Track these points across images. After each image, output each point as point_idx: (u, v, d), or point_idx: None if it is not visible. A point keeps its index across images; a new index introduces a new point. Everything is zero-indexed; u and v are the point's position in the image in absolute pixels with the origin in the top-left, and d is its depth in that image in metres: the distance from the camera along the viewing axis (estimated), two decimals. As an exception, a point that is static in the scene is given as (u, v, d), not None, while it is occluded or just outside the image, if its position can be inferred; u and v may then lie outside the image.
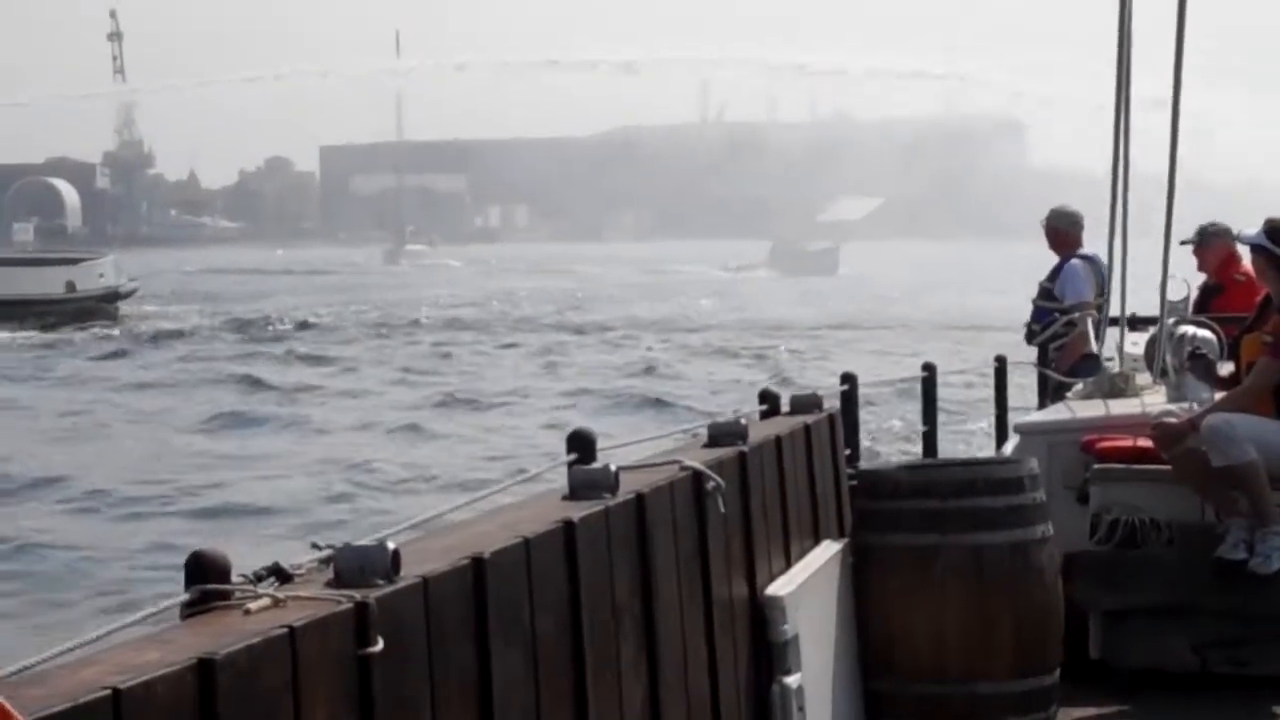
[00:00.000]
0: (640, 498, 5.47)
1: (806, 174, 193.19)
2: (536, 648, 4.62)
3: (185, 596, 3.64)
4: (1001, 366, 12.52)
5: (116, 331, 51.88)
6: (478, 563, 4.32)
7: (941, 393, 12.24)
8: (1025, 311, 12.32)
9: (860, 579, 7.49)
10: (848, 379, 9.26)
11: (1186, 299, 10.97)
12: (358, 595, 3.77)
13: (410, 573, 4.01)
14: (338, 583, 3.90)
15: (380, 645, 3.71)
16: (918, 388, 11.75)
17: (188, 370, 40.22)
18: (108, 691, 2.92)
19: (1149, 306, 10.34)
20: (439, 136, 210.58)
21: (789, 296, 77.93)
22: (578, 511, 5.02)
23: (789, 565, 7.07)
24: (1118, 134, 9.90)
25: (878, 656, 7.43)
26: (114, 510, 19.95)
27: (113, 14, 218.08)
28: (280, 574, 3.90)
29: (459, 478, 21.36)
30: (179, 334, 52.69)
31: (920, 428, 11.49)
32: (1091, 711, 8.04)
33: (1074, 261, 12.08)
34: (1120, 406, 9.46)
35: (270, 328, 55.65)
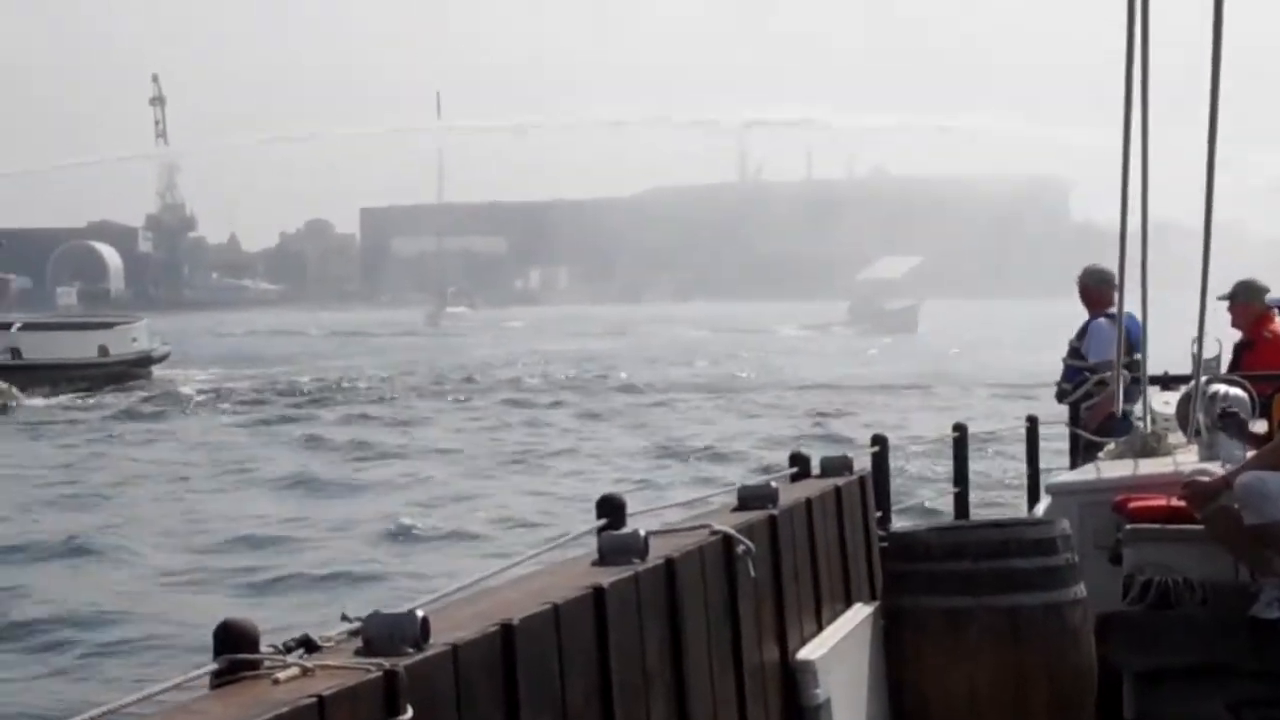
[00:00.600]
0: (670, 562, 5.49)
1: (845, 232, 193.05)
2: (567, 714, 4.63)
3: (214, 666, 3.68)
4: (1033, 426, 12.51)
5: (150, 393, 51.99)
6: (507, 629, 4.34)
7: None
8: (1059, 370, 12.35)
9: (892, 642, 7.48)
10: (878, 440, 9.26)
11: (1218, 357, 10.96)
12: (387, 664, 3.80)
13: (440, 640, 4.03)
14: (367, 651, 3.93)
15: (410, 713, 3.73)
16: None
17: (239, 432, 40.34)
18: (138, 761, 2.96)
19: (1187, 361, 10.33)
20: (478, 198, 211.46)
21: (874, 354, 77.29)
22: (607, 577, 5.04)
23: (820, 629, 7.07)
24: (1125, 188, 9.88)
25: (912, 720, 7.43)
26: (171, 577, 20.01)
27: (155, 78, 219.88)
28: (309, 644, 3.94)
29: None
30: (220, 395, 52.89)
31: (952, 489, 11.48)
32: None
33: (1099, 320, 12.10)
34: (1152, 466, 9.44)
35: (339, 389, 55.84)
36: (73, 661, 15.59)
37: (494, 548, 20.54)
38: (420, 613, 4.00)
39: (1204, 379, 9.62)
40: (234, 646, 3.72)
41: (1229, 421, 8.86)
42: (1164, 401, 10.67)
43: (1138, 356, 11.05)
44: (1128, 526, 8.56)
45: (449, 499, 26.61)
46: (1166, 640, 8.26)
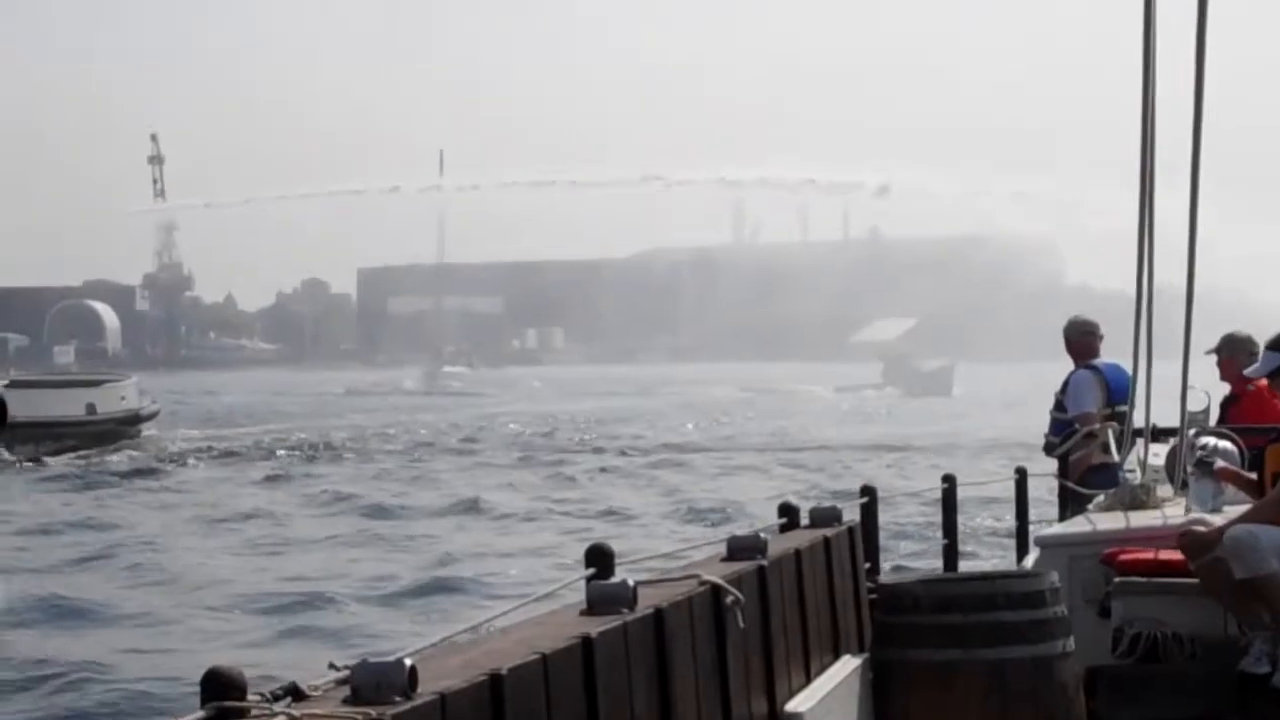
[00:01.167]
0: (659, 612, 5.50)
1: (840, 294, 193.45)
2: (554, 764, 4.65)
3: (201, 714, 3.70)
4: (1022, 478, 12.53)
5: (137, 452, 51.90)
6: (495, 679, 4.35)
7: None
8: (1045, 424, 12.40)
9: (881, 694, 7.50)
10: (867, 491, 9.29)
11: (1206, 410, 11.00)
12: (374, 713, 3.82)
13: (428, 689, 4.05)
14: (355, 700, 3.94)
15: (397, 761, 3.77)
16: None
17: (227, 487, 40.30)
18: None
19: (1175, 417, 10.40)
20: (476, 258, 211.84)
21: (911, 416, 76.86)
22: (596, 627, 5.06)
23: (809, 681, 7.09)
24: (1141, 247, 9.97)
25: (901, 773, 7.43)
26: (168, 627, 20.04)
27: (154, 138, 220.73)
28: (296, 692, 3.96)
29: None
30: (208, 453, 52.93)
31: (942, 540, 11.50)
32: None
33: (1080, 373, 12.18)
34: (1141, 519, 9.46)
35: (342, 447, 55.87)
36: (62, 709, 15.57)
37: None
38: (408, 661, 4.02)
39: (1192, 431, 9.67)
40: (221, 694, 3.74)
41: (1202, 469, 8.92)
42: (1154, 454, 10.70)
43: (1121, 408, 11.08)
44: (1117, 579, 8.58)
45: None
46: (1155, 694, 8.28)
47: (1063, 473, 11.79)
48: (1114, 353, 12.02)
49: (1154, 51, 9.27)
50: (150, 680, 16.45)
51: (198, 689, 3.76)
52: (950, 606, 7.42)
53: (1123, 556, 8.73)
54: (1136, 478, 10.08)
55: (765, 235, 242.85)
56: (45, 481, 42.33)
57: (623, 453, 52.09)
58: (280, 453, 53.81)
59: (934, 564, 13.22)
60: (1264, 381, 10.73)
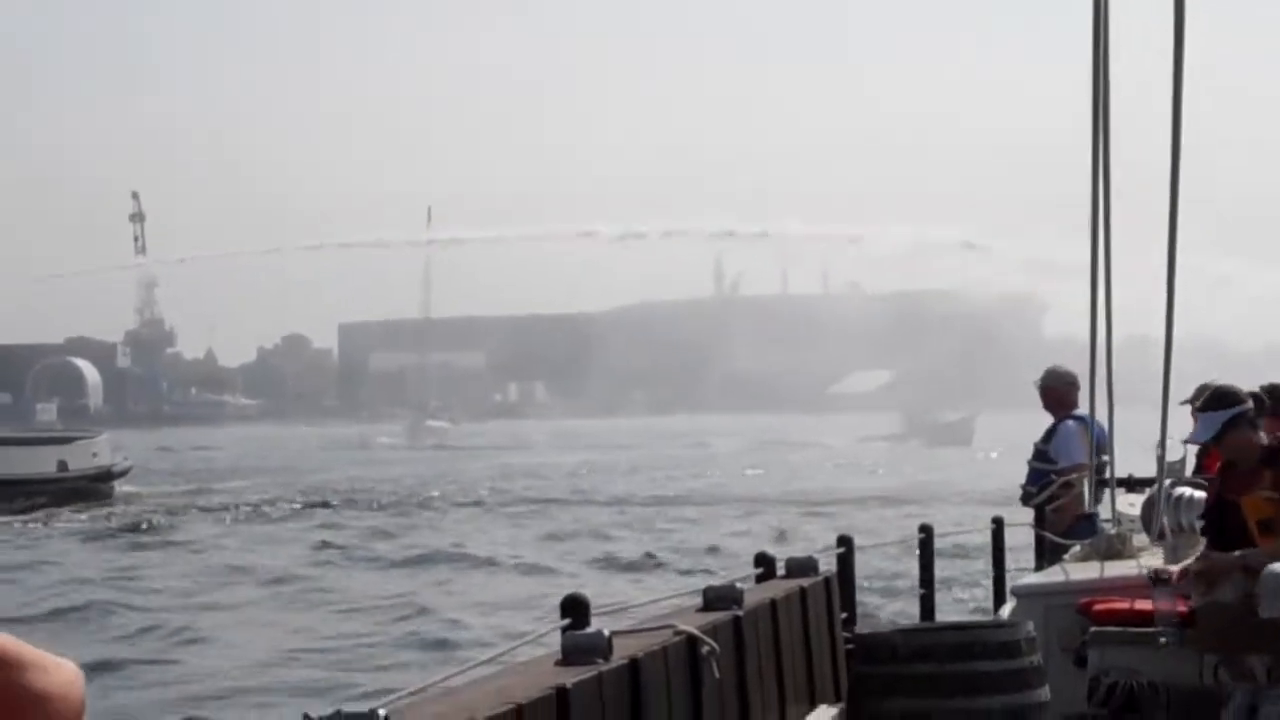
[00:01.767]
0: (634, 663, 5.52)
1: (818, 347, 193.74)
2: (528, 813, 4.66)
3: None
4: (999, 529, 12.55)
5: (109, 509, 51.69)
6: (469, 729, 4.38)
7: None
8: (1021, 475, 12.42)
9: (857, 744, 7.51)
10: (844, 541, 9.31)
11: (1183, 460, 11.04)
12: (348, 762, 3.85)
13: (402, 739, 4.08)
14: (330, 749, 3.97)
15: (369, 809, 3.79)
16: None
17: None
18: None
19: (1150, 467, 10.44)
20: (457, 313, 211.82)
21: (929, 465, 76.39)
22: (570, 677, 5.07)
23: (785, 731, 7.11)
24: (1095, 296, 10.04)
25: (877, 823, 7.42)
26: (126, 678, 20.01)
27: (135, 195, 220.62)
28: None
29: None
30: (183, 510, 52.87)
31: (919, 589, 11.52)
32: None
33: (1068, 423, 12.15)
34: (1117, 568, 9.48)
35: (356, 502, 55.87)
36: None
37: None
38: (383, 712, 4.05)
39: (1168, 481, 9.70)
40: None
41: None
42: (1129, 504, 10.74)
43: (1105, 459, 11.11)
44: (1093, 629, 8.59)
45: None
46: None
47: (1039, 522, 11.81)
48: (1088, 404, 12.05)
49: (1107, 102, 9.35)
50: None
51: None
52: (926, 656, 7.43)
53: (1098, 606, 8.75)
54: (1112, 528, 10.11)
55: (745, 288, 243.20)
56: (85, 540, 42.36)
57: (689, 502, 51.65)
58: (296, 505, 53.88)
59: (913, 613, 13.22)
60: None
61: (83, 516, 48.93)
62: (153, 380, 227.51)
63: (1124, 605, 8.68)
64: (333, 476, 73.75)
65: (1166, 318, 9.76)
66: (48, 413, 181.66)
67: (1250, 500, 8.59)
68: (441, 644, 21.79)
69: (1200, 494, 9.30)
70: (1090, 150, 9.52)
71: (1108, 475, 11.35)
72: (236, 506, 54.10)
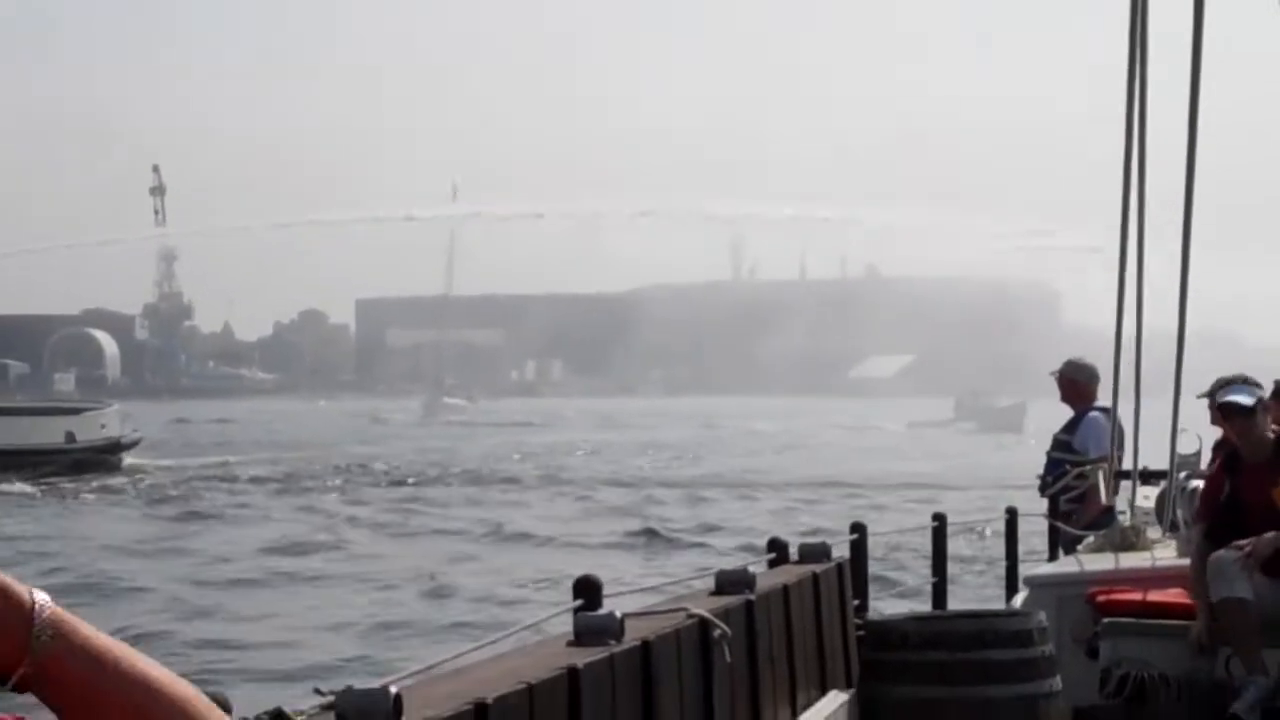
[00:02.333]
0: (646, 645, 5.52)
1: (837, 331, 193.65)
2: (538, 793, 4.67)
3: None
4: (1012, 518, 12.54)
5: (114, 480, 51.68)
6: (480, 708, 4.36)
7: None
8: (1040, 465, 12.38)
9: (867, 731, 7.52)
10: (857, 528, 9.32)
11: (1198, 453, 11.02)
12: (357, 739, 3.85)
13: (413, 718, 4.06)
14: (339, 727, 3.97)
15: (379, 787, 3.79)
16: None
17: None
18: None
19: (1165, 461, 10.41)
20: (475, 290, 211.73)
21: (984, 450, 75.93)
22: (582, 658, 5.07)
23: (795, 716, 7.11)
24: (1123, 285, 10.00)
25: (886, 809, 7.44)
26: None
27: (155, 168, 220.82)
28: (281, 717, 3.98)
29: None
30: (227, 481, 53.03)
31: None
32: None
33: (1094, 414, 12.07)
34: (1130, 560, 9.48)
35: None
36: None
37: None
38: (394, 689, 4.03)
39: (1182, 474, 9.69)
40: None
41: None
42: (1144, 496, 10.72)
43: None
44: (1105, 620, 8.58)
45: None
46: None
47: (1054, 513, 11.79)
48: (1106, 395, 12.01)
49: (1145, 98, 9.32)
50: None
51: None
52: (938, 644, 7.43)
53: (1111, 597, 8.75)
54: (1128, 519, 10.10)
55: (763, 272, 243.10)
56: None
57: (775, 487, 51.37)
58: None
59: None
60: None
61: (92, 486, 49.13)
62: (170, 353, 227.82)
63: (1136, 596, 8.68)
64: (358, 451, 73.73)
65: (1180, 310, 9.73)
66: (65, 383, 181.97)
67: None
68: (460, 624, 21.76)
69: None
70: (1123, 140, 9.46)
71: (1122, 468, 11.31)
72: (246, 480, 54.14)
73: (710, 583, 6.81)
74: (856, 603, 8.60)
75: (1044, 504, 12.05)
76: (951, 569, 12.32)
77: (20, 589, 1.62)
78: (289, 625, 22.42)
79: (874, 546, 10.14)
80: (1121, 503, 10.47)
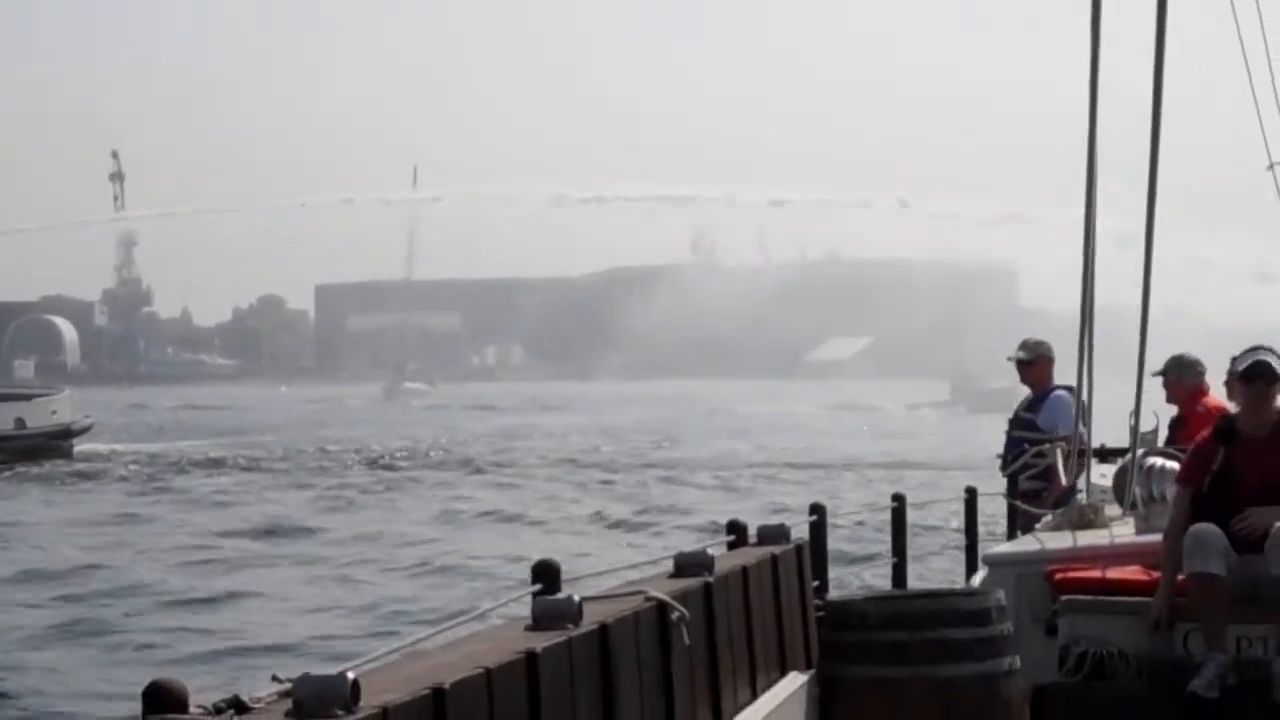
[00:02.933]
0: (604, 628, 5.51)
1: (796, 313, 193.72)
2: (496, 778, 4.65)
3: (143, 727, 3.70)
4: (972, 497, 12.57)
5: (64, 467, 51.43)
6: (438, 693, 4.35)
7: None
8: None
9: (827, 711, 7.52)
10: (816, 509, 9.33)
11: (1156, 430, 11.05)
12: (315, 726, 3.83)
13: (370, 703, 4.04)
14: (297, 713, 3.94)
15: (337, 774, 3.78)
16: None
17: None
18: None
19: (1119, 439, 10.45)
20: (434, 275, 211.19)
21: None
22: (540, 642, 5.06)
23: (755, 697, 7.10)
24: (1088, 268, 10.03)
25: (846, 789, 7.45)
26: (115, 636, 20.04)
27: (115, 155, 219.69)
28: (239, 705, 3.95)
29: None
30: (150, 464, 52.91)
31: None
32: None
33: (1061, 393, 12.08)
34: (1088, 538, 9.50)
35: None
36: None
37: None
38: (351, 675, 4.02)
39: (1140, 452, 9.71)
40: (162, 707, 3.74)
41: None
42: (1101, 474, 10.75)
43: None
44: (1064, 598, 8.61)
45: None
46: (1102, 713, 8.30)
47: (1012, 492, 11.82)
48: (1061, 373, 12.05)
49: (1099, 66, 9.33)
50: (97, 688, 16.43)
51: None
52: (897, 623, 7.45)
53: (1069, 575, 8.77)
54: (1085, 498, 10.13)
55: (721, 254, 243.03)
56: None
57: (791, 465, 51.53)
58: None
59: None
60: (1213, 402, 10.82)
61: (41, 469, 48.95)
62: (130, 339, 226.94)
63: (1095, 574, 8.71)
64: (326, 434, 73.53)
65: (1144, 287, 9.74)
66: (25, 369, 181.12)
67: None
68: (425, 609, 21.73)
69: (1173, 464, 9.31)
70: (1088, 117, 9.47)
71: (1080, 447, 11.33)
72: (208, 464, 53.96)
73: (669, 565, 6.80)
74: (816, 584, 8.60)
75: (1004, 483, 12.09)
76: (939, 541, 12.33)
77: None
78: (251, 609, 22.37)
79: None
80: (1082, 481, 10.49)
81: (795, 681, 7.50)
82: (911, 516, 11.62)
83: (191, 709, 3.78)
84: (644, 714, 5.81)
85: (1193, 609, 8.26)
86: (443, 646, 5.07)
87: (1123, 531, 9.50)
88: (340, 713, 3.95)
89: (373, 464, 53.83)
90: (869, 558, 18.29)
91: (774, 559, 7.68)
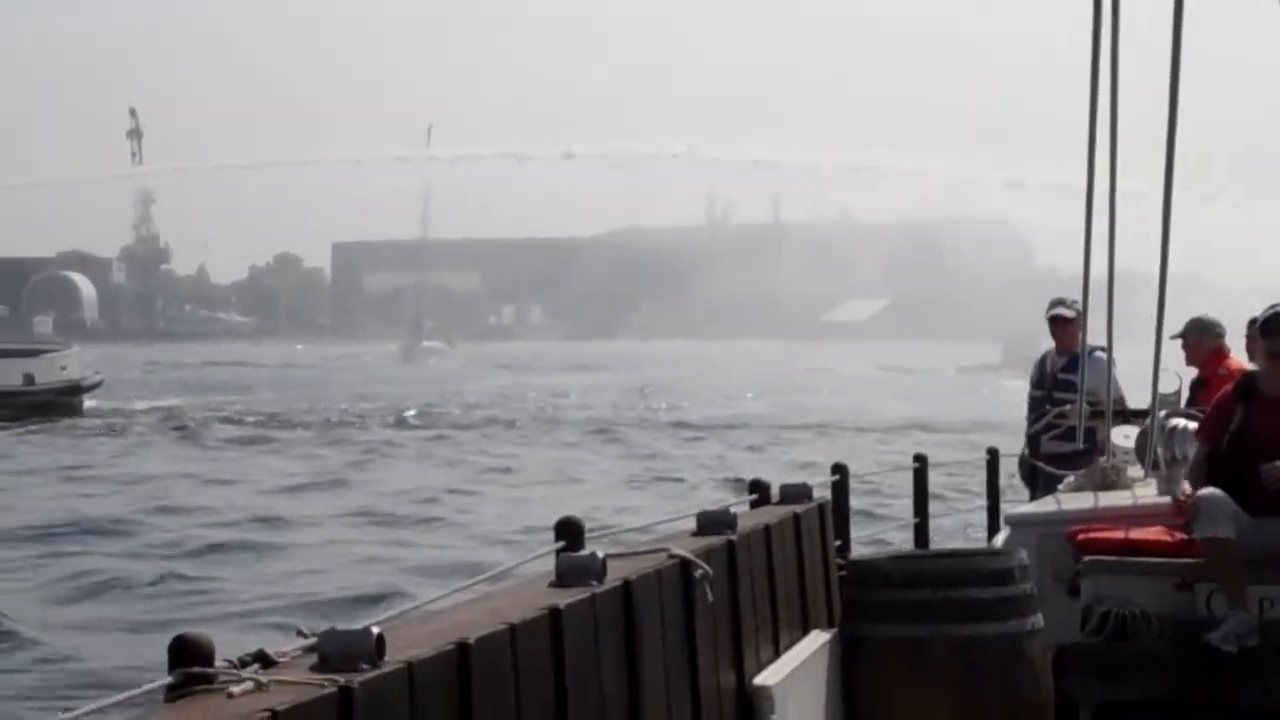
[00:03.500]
0: (628, 585, 5.51)
1: (812, 274, 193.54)
2: (521, 734, 4.66)
3: (169, 680, 3.69)
4: (993, 458, 12.55)
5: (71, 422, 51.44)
6: (463, 648, 4.35)
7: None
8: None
9: (849, 669, 7.51)
10: (839, 469, 9.32)
11: (1178, 392, 11.01)
12: (342, 679, 3.81)
13: (395, 658, 4.05)
14: (322, 667, 3.94)
15: (364, 729, 3.77)
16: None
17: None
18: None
19: (1138, 402, 10.41)
20: (451, 234, 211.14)
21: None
22: (564, 599, 5.07)
23: (777, 655, 7.10)
24: (1087, 228, 9.95)
25: (868, 748, 7.45)
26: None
27: (132, 111, 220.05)
28: (264, 659, 3.95)
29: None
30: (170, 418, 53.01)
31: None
32: None
33: (1100, 355, 11.94)
34: (1111, 499, 9.50)
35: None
36: (25, 672, 15.52)
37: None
38: (376, 629, 4.02)
39: (1162, 413, 9.68)
40: (188, 660, 3.74)
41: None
42: (1124, 435, 10.72)
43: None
44: (1086, 558, 8.59)
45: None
46: (1124, 672, 8.30)
47: (1034, 452, 11.77)
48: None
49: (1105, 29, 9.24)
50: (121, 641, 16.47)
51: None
52: (919, 582, 7.44)
53: (1091, 535, 8.76)
54: (1107, 459, 10.10)
55: (737, 216, 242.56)
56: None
57: (860, 429, 51.40)
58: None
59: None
60: (1234, 364, 10.77)
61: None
62: (147, 296, 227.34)
63: (1117, 534, 8.70)
64: (360, 391, 73.53)
65: (1162, 248, 9.67)
66: (44, 325, 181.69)
67: None
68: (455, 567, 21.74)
69: (1194, 425, 9.28)
70: (1090, 75, 9.39)
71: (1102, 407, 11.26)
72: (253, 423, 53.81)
73: (692, 524, 6.79)
74: (839, 543, 8.60)
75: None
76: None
77: None
78: (283, 570, 22.35)
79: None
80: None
81: (818, 640, 7.49)
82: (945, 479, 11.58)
83: (217, 663, 3.78)
84: (667, 671, 5.81)
85: (1207, 572, 8.25)
86: (467, 602, 5.07)
87: (1145, 492, 9.48)
88: (365, 667, 3.95)
89: (400, 424, 53.81)
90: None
91: (796, 518, 7.67)
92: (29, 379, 53.32)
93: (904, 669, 7.35)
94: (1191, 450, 8.95)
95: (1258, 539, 8.19)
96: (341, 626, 4.06)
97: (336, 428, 50.90)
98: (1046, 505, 9.86)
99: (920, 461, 11.42)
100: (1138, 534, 8.62)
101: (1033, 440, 11.83)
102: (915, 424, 52.49)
